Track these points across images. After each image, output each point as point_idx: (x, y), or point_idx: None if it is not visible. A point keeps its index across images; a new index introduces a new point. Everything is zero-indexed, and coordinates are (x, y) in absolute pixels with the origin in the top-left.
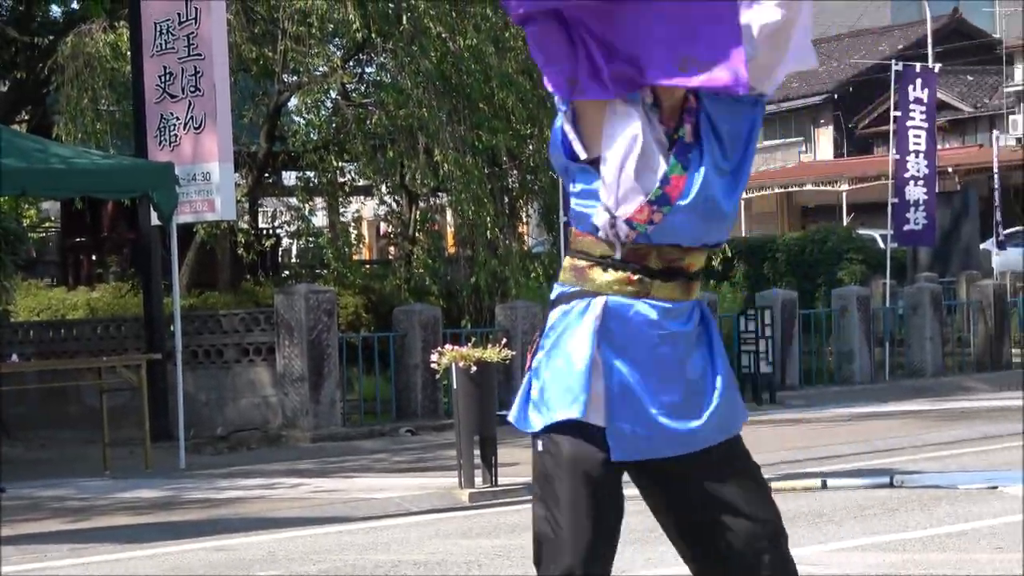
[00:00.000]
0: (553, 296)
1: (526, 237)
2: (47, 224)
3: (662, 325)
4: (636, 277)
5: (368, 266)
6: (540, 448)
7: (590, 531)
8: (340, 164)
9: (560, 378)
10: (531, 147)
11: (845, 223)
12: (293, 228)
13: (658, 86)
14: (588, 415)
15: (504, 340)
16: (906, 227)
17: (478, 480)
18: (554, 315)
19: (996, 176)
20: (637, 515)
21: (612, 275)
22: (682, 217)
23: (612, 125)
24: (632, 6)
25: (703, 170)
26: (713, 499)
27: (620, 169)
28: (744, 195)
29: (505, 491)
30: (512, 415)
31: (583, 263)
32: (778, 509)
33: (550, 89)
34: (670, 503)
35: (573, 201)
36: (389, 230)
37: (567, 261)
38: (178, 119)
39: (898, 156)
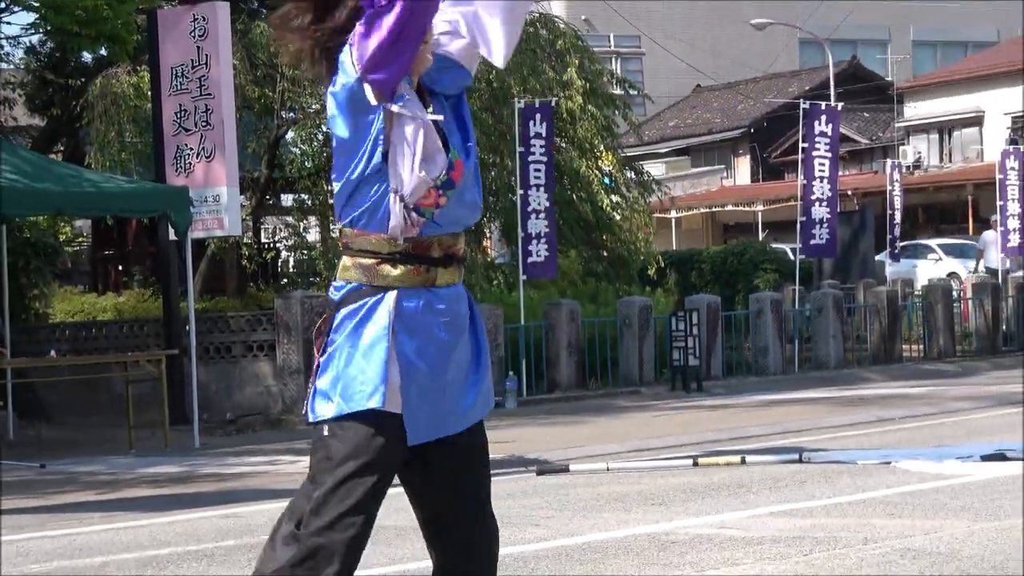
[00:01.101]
0: (337, 296)
1: (489, 251)
2: (80, 239)
3: (445, 311)
4: (423, 267)
5: None
6: (326, 433)
7: (364, 520)
8: (330, 188)
9: (358, 371)
10: (492, 173)
11: (760, 238)
12: (290, 242)
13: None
14: (386, 404)
15: None
16: (812, 241)
17: None
18: (342, 313)
19: (899, 197)
20: (584, 487)
21: (401, 269)
22: (456, 201)
23: (399, 120)
24: None
25: (469, 156)
26: (457, 489)
27: (413, 157)
28: (674, 214)
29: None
30: (305, 410)
31: (370, 260)
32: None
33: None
34: (426, 489)
35: (353, 200)
36: None
37: (348, 260)
38: (192, 149)
39: (805, 181)
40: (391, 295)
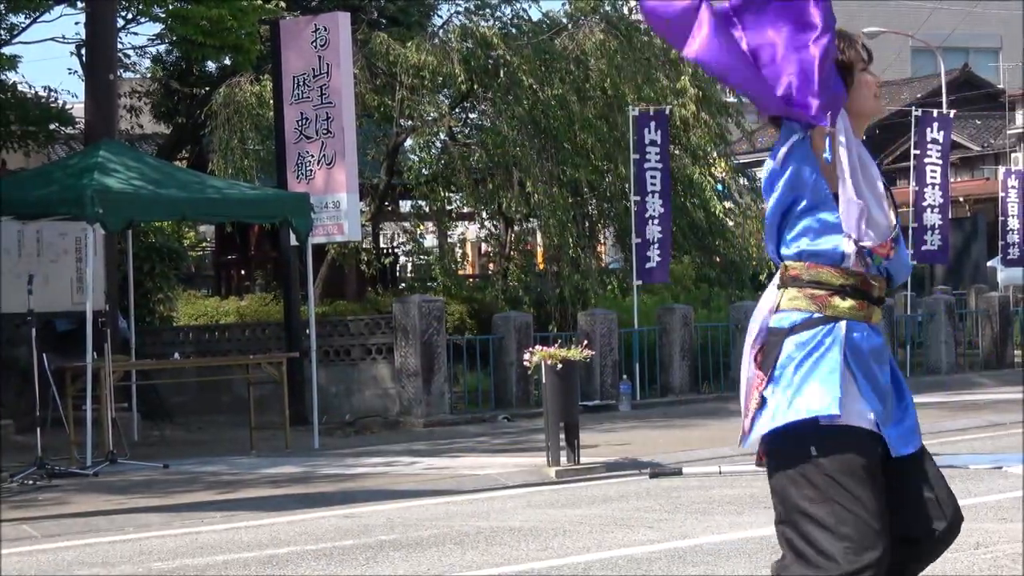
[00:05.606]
0: (786, 324)
1: (603, 256)
2: (204, 244)
3: (877, 348)
4: (865, 303)
5: (471, 280)
6: (814, 454)
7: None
8: (447, 194)
9: (814, 382)
10: (607, 180)
11: None
12: (408, 248)
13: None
14: (848, 418)
15: (585, 342)
16: (924, 247)
17: (563, 459)
18: (791, 341)
19: (1017, 203)
20: (696, 490)
21: (850, 302)
22: (902, 252)
23: (848, 158)
24: None
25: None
26: (921, 497)
27: (864, 205)
28: None
29: (586, 469)
30: (744, 431)
31: (822, 292)
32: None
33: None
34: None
35: (804, 240)
36: (488, 249)
37: (796, 292)
38: (312, 156)
39: (917, 188)
40: (842, 325)
